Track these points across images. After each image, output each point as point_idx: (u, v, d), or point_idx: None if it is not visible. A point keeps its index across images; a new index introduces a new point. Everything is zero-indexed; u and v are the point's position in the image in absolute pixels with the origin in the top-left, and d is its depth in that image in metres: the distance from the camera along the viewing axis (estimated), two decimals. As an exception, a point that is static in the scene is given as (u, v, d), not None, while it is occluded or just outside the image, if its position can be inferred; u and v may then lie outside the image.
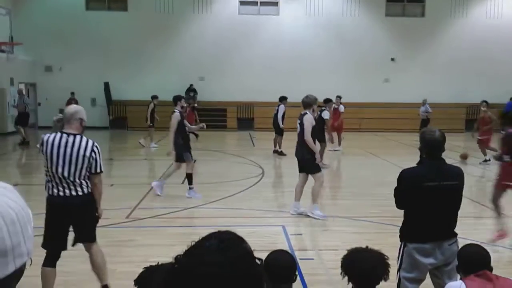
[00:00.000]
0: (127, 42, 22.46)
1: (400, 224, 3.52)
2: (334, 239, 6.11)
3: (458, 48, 23.73)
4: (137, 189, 9.14)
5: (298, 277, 2.96)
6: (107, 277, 4.35)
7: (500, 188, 6.08)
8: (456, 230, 3.46)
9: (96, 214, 4.32)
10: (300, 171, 7.47)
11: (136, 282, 2.58)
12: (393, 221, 6.40)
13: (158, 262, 2.68)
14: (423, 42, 23.76)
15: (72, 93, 21.82)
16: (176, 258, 1.16)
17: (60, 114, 9.30)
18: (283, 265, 2.61)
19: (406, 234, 3.43)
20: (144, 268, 2.63)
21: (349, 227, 6.71)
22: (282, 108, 13.98)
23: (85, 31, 22.13)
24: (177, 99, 8.62)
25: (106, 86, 22.62)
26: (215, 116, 22.52)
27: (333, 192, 9.06)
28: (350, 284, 2.74)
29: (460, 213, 3.46)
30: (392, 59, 23.93)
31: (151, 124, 15.73)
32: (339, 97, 15.41)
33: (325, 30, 23.54)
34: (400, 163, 10.45)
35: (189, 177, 8.57)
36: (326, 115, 12.48)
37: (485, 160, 12.24)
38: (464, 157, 12.33)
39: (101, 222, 6.51)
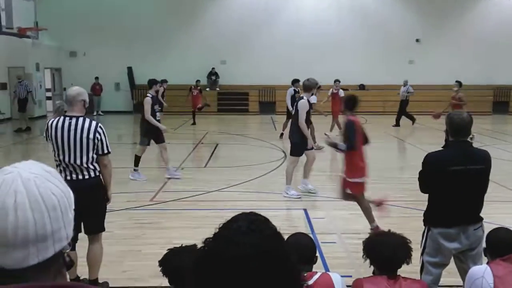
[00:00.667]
0: (150, 27, 22.54)
1: (424, 209, 3.48)
2: (356, 223, 6.09)
3: (485, 28, 23.03)
4: (161, 173, 9.26)
5: (319, 259, 2.97)
6: (98, 272, 4.18)
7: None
8: (483, 214, 3.40)
9: (105, 198, 4.19)
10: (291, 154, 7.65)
11: (161, 263, 2.63)
12: (416, 205, 6.32)
13: (181, 244, 2.73)
14: (449, 22, 23.14)
15: (97, 78, 22.14)
16: (206, 241, 1.16)
17: (59, 101, 9.44)
18: (304, 246, 2.63)
19: (430, 219, 3.38)
20: (168, 249, 2.69)
21: (372, 211, 6.66)
22: (290, 91, 13.43)
23: (109, 16, 22.28)
24: (152, 83, 8.75)
25: (130, 70, 22.84)
26: (236, 100, 22.54)
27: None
28: (372, 267, 2.75)
29: (486, 196, 3.40)
30: (417, 40, 23.41)
31: (160, 109, 15.57)
32: (337, 81, 14.97)
33: (348, 11, 23.14)
34: (425, 146, 10.32)
35: (137, 159, 8.66)
36: (313, 99, 12.40)
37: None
38: (436, 116, 12.47)
39: (126, 205, 6.69)
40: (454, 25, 23.20)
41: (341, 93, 14.62)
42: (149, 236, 5.65)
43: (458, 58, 23.05)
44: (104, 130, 4.06)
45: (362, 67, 22.89)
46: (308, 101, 7.44)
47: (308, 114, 7.40)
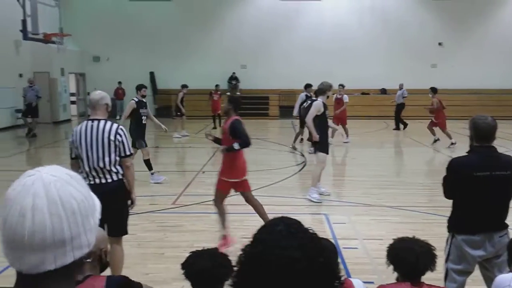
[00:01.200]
0: (171, 32, 22.81)
1: (448, 215, 3.43)
2: (379, 229, 6.03)
3: (509, 31, 22.58)
4: (182, 176, 9.33)
5: (340, 265, 2.95)
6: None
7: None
8: (509, 221, 3.33)
9: (129, 201, 4.20)
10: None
11: (183, 266, 2.66)
12: (440, 211, 6.24)
13: (203, 247, 2.75)
14: (472, 25, 22.78)
15: (119, 83, 22.47)
16: (248, 246, 1.19)
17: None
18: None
19: (455, 225, 3.33)
20: (191, 252, 2.71)
21: (395, 217, 6.60)
22: (301, 96, 12.96)
23: (131, 21, 22.64)
24: (138, 88, 9.06)
25: (152, 75, 23.12)
26: (257, 104, 22.59)
27: (379, 180, 8.92)
28: (395, 274, 2.72)
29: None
30: (440, 44, 23.10)
31: (180, 113, 15.55)
32: (341, 85, 14.67)
33: (368, 14, 23.00)
34: (449, 151, 10.19)
35: (148, 164, 8.68)
36: (346, 98, 12.71)
37: (435, 141, 13.31)
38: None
39: (148, 208, 6.77)
40: (477, 28, 22.83)
41: (346, 98, 14.35)
42: (172, 239, 5.70)
43: (481, 62, 22.65)
44: (125, 132, 4.10)
45: (384, 71, 22.69)
46: (324, 103, 7.52)
47: (324, 116, 7.45)
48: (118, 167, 4.08)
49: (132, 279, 2.82)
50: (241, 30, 23.11)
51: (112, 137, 3.98)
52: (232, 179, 5.44)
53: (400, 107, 17.56)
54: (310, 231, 1.21)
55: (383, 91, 23.16)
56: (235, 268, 1.25)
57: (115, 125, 4.05)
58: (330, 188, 8.38)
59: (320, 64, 22.43)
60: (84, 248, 0.98)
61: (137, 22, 22.68)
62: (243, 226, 6.10)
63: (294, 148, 12.86)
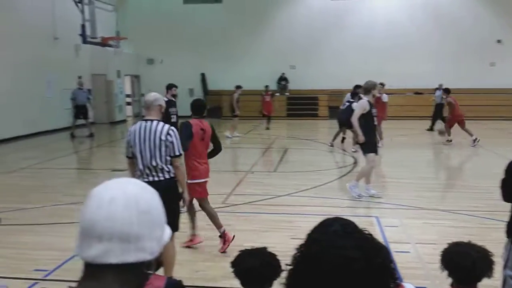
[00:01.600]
0: (221, 34, 23.14)
1: (506, 219, 3.28)
2: (432, 233, 5.85)
3: None
4: (231, 176, 9.45)
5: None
6: (172, 271, 4.29)
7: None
8: None
9: (181, 198, 4.33)
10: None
11: (233, 264, 2.70)
12: (497, 216, 5.97)
13: (252, 246, 2.78)
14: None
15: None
16: (303, 246, 1.20)
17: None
18: None
19: (514, 230, 3.18)
20: (240, 251, 2.75)
21: (449, 221, 6.38)
22: (347, 96, 13.02)
23: (183, 24, 23.16)
24: (168, 87, 9.41)
25: (203, 77, 23.58)
26: (306, 105, 22.48)
27: (432, 183, 8.64)
28: (449, 279, 2.63)
29: None
30: (499, 41, 22.01)
31: (235, 114, 15.55)
32: (381, 84, 13.98)
33: (421, 11, 22.29)
34: (508, 153, 9.68)
35: None
36: (385, 97, 12.52)
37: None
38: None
39: (198, 206, 6.90)
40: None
41: (385, 97, 13.74)
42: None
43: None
44: (175, 133, 4.23)
45: (437, 70, 21.91)
46: (370, 102, 7.44)
47: (370, 115, 7.40)
48: (170, 166, 4.21)
49: (183, 279, 2.90)
50: (291, 31, 23.08)
51: (163, 137, 4.14)
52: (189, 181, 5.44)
53: (439, 107, 16.91)
54: (365, 231, 1.21)
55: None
56: (289, 268, 1.26)
57: (166, 126, 4.20)
58: (380, 190, 8.21)
59: (371, 63, 22.00)
60: (147, 254, 1.03)
61: (189, 24, 23.18)
62: (292, 227, 6.10)
63: (331, 145, 12.89)
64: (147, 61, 24.23)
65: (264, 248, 2.75)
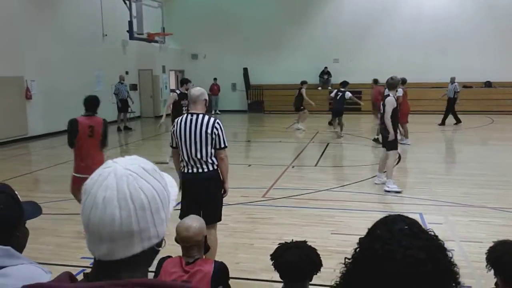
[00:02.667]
0: (264, 29, 23.13)
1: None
2: (479, 231, 5.65)
3: None
4: (272, 170, 9.48)
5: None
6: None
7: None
8: None
9: (222, 190, 4.41)
10: (383, 146, 8.15)
11: (273, 257, 2.72)
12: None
13: (292, 240, 2.79)
14: None
15: (215, 79, 23.34)
16: (365, 243, 1.17)
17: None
18: None
19: None
20: (280, 244, 2.76)
21: (496, 219, 6.14)
22: (348, 93, 14.03)
23: (227, 20, 23.33)
24: (182, 82, 10.00)
25: (245, 71, 23.69)
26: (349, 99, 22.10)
27: (480, 179, 8.33)
28: (494, 279, 2.55)
29: None
30: (555, 32, 20.82)
31: (303, 107, 15.76)
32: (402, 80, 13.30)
33: (472, 2, 21.39)
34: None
35: None
36: (400, 92, 11.98)
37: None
38: None
39: (239, 199, 6.98)
40: None
41: (399, 92, 13.10)
42: (261, 230, 5.84)
43: None
44: (221, 126, 4.30)
45: (488, 63, 21.00)
46: (395, 98, 7.69)
47: (395, 110, 7.61)
48: (214, 159, 4.28)
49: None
50: (334, 24, 22.75)
51: (209, 131, 4.20)
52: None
53: (452, 101, 16.20)
54: (431, 232, 1.17)
55: (488, 84, 21.47)
56: (347, 263, 1.23)
57: (212, 119, 4.27)
58: (424, 186, 8.01)
59: (418, 57, 21.39)
60: (153, 239, 1.01)
61: (232, 21, 23.31)
62: (333, 222, 6.06)
63: (340, 136, 13.73)
64: (191, 56, 24.60)
65: (304, 242, 2.76)
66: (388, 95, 7.69)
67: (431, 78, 20.84)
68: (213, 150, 4.26)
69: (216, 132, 4.23)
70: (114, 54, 19.38)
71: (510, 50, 20.89)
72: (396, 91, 7.73)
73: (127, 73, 20.02)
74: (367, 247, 1.15)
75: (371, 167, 9.71)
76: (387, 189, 7.63)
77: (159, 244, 1.03)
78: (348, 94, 14.04)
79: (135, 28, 17.11)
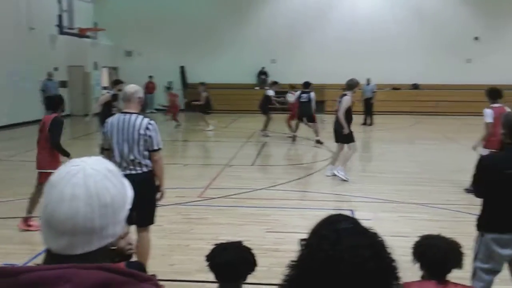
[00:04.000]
0: (202, 27, 22.95)
1: (477, 213, 3.35)
2: (406, 226, 5.94)
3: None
4: (209, 170, 9.42)
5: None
6: (146, 264, 4.19)
7: None
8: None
9: (158, 192, 4.27)
10: (336, 141, 8.74)
11: (208, 258, 2.68)
12: (469, 209, 6.09)
13: (228, 240, 2.77)
14: (510, 20, 21.99)
15: (150, 77, 22.81)
16: (306, 241, 1.17)
17: (87, 118, 10.17)
18: None
19: (484, 224, 3.25)
20: (215, 245, 2.73)
21: (423, 214, 6.49)
22: (313, 94, 12.97)
23: (163, 16, 22.89)
24: (114, 83, 9.98)
25: (182, 69, 23.37)
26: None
27: (407, 177, 8.76)
28: (421, 272, 2.67)
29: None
30: (476, 38, 22.42)
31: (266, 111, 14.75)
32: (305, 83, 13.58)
33: (402, 7, 22.52)
34: (481, 149, 9.90)
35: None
36: (290, 97, 13.12)
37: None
38: None
39: (175, 200, 6.86)
40: (516, 22, 22.06)
41: (293, 97, 13.60)
42: (197, 231, 5.77)
43: (519, 57, 21.90)
44: (155, 127, 4.15)
45: (416, 66, 22.22)
46: (351, 98, 8.38)
47: (350, 109, 8.34)
48: (148, 161, 4.14)
49: (157, 272, 2.87)
50: (272, 25, 23.02)
51: (142, 131, 4.07)
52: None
53: (368, 101, 17.13)
54: (372, 230, 1.19)
55: (415, 86, 22.70)
56: (292, 264, 1.22)
57: (146, 120, 4.12)
58: (355, 184, 8.30)
59: (351, 58, 22.16)
60: (109, 238, 1.06)
61: (168, 17, 22.91)
62: (269, 221, 6.11)
63: (294, 138, 13.22)
64: (126, 53, 23.88)
65: (239, 243, 2.75)
66: (345, 94, 8.34)
67: (364, 79, 21.70)
68: (146, 152, 4.12)
69: (149, 133, 4.08)
70: (42, 49, 18.36)
71: (436, 54, 22.22)
72: (354, 92, 8.48)
73: (56, 69, 19.06)
74: (315, 249, 1.15)
75: (307, 166, 9.92)
76: (336, 173, 8.33)
77: (113, 244, 1.09)
78: (313, 95, 12.96)
79: (65, 23, 16.36)
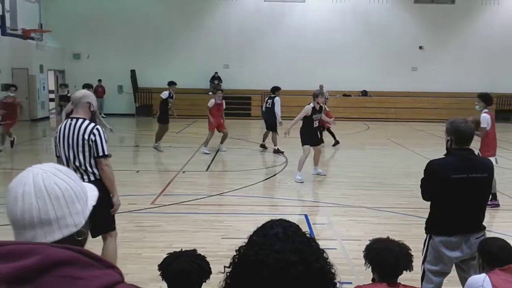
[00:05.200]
0: (154, 31, 22.63)
1: (426, 216, 3.46)
2: (358, 230, 6.07)
3: (489, 36, 23.06)
4: (161, 176, 9.25)
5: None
6: None
7: None
8: (486, 223, 3.37)
9: (112, 201, 4.05)
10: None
11: (160, 267, 2.62)
12: (418, 213, 6.32)
13: (181, 248, 2.72)
14: (453, 30, 23.18)
15: (99, 81, 22.19)
16: (241, 248, 1.18)
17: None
18: None
19: (432, 227, 3.36)
20: (168, 253, 2.67)
21: (373, 218, 6.66)
22: (278, 100, 12.23)
23: (113, 19, 22.37)
24: (85, 87, 9.49)
25: (133, 73, 22.89)
26: (239, 104, 22.53)
27: (357, 181, 8.98)
28: (371, 274, 2.73)
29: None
30: (421, 47, 23.45)
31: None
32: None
33: (351, 17, 23.20)
34: (427, 153, 10.33)
35: None
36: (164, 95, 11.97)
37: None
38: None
39: (127, 207, 6.68)
40: (458, 32, 23.24)
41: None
42: (150, 239, 5.64)
43: (461, 66, 23.07)
44: (100, 132, 3.96)
45: (365, 73, 22.94)
46: (313, 107, 8.88)
47: (310, 118, 8.87)
48: (96, 169, 3.97)
49: None
50: (225, 30, 23.05)
51: (86, 136, 3.91)
52: None
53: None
54: (307, 235, 1.19)
55: (364, 93, 23.40)
56: (228, 270, 1.23)
57: (91, 125, 3.95)
58: (309, 189, 8.42)
59: (303, 65, 22.56)
60: (71, 228, 1.16)
61: (119, 20, 22.43)
62: (223, 227, 6.07)
63: (264, 146, 12.92)
64: (73, 56, 23.13)
65: (194, 251, 2.70)
66: (310, 104, 8.98)
67: (315, 86, 22.13)
68: (92, 160, 3.94)
69: (93, 139, 3.90)
70: (-17, 50, 17.45)
71: (384, 62, 23.03)
72: (317, 102, 8.94)
73: (-2, 71, 18.17)
74: (243, 254, 1.17)
75: (260, 172, 9.96)
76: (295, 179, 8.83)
77: (79, 234, 1.18)
78: (277, 101, 12.19)
79: (8, 23, 15.62)
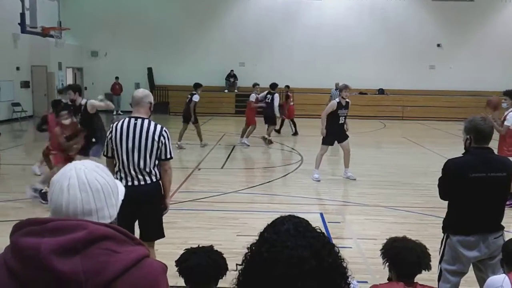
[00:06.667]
0: (170, 29, 22.75)
1: (443, 216, 3.43)
2: (373, 229, 6.04)
3: (509, 34, 22.65)
4: (177, 173, 9.28)
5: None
6: None
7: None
8: (505, 223, 3.33)
9: (162, 206, 4.00)
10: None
11: (177, 263, 2.65)
12: (435, 212, 6.25)
13: (198, 245, 2.74)
14: (471, 27, 22.81)
15: (117, 78, 22.41)
16: (255, 245, 1.19)
17: (100, 96, 9.57)
18: None
19: (450, 226, 3.32)
20: (185, 249, 2.70)
21: (389, 217, 6.61)
22: (277, 96, 13.25)
23: (131, 17, 22.56)
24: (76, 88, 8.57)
25: (150, 71, 23.07)
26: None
27: (374, 180, 8.92)
28: (388, 274, 2.71)
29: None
30: (438, 45, 23.14)
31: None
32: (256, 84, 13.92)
33: (368, 14, 23.00)
34: (445, 152, 10.20)
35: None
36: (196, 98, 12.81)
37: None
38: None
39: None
40: (476, 30, 22.87)
41: (252, 97, 13.39)
42: (166, 235, 5.65)
43: (480, 64, 22.70)
44: (168, 134, 3.90)
45: (382, 71, 22.73)
46: (339, 102, 8.77)
47: (336, 113, 8.71)
48: (157, 170, 3.89)
49: None
50: (240, 28, 23.07)
51: (156, 138, 3.80)
52: None
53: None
54: (318, 230, 1.20)
55: (381, 91, 23.19)
56: (240, 267, 1.24)
57: (159, 126, 3.86)
58: (324, 187, 8.39)
59: (319, 63, 22.44)
60: (107, 219, 1.31)
61: (136, 18, 22.61)
62: (238, 224, 6.09)
63: (268, 141, 13.00)
64: (91, 53, 23.40)
65: (210, 247, 2.72)
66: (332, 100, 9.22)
67: (331, 84, 22.01)
68: (156, 161, 3.85)
69: (163, 141, 3.81)
70: (4, 48, 17.75)
71: (401, 60, 22.78)
72: (342, 97, 8.87)
73: (18, 69, 18.47)
74: (255, 251, 1.18)
75: (276, 169, 9.95)
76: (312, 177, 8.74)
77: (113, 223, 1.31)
78: (277, 97, 13.18)
79: (28, 21, 15.85)
